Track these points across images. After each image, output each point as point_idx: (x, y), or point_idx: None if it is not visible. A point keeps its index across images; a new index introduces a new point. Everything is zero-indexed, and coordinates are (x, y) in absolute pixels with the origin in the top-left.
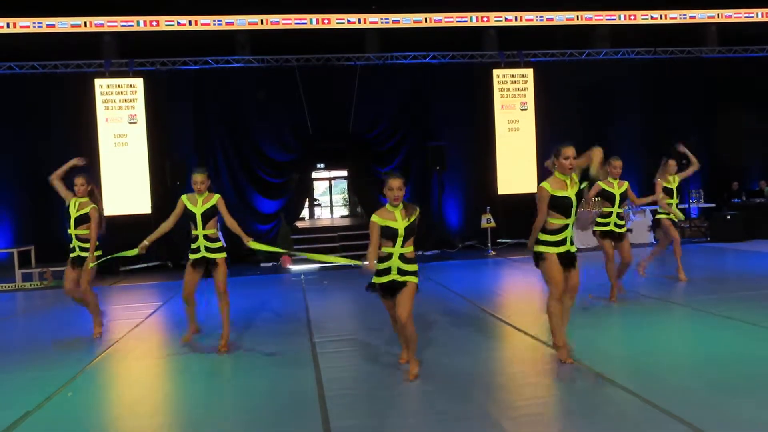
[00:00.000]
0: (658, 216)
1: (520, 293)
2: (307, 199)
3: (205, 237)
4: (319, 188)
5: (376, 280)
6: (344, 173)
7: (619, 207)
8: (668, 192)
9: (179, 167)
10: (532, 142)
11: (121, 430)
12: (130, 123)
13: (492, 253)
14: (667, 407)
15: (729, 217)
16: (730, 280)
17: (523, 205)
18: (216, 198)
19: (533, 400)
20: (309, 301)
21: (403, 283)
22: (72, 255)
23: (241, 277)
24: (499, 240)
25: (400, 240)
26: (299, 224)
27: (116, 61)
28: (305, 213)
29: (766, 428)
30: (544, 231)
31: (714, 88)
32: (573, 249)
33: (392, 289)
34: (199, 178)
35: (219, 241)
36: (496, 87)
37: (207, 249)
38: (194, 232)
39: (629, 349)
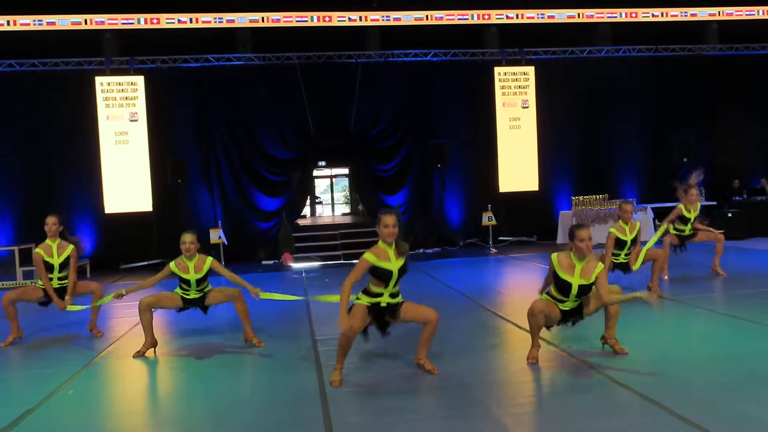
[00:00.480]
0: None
1: (521, 291)
2: (309, 197)
3: (198, 290)
4: (321, 186)
5: (360, 302)
6: (345, 171)
7: (629, 249)
8: (684, 221)
9: (180, 165)
10: (534, 140)
11: (121, 427)
12: (131, 121)
13: (493, 250)
14: (668, 404)
15: (730, 215)
16: (730, 278)
17: (524, 203)
18: (209, 263)
19: (534, 397)
20: (310, 299)
21: (396, 305)
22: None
23: (242, 274)
24: (501, 238)
25: (393, 281)
26: (300, 222)
27: (117, 58)
28: (306, 211)
29: (767, 426)
30: (549, 293)
31: (715, 86)
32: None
33: (379, 311)
34: (188, 238)
35: (209, 285)
36: (497, 85)
37: (197, 290)
38: (188, 291)
39: (630, 347)
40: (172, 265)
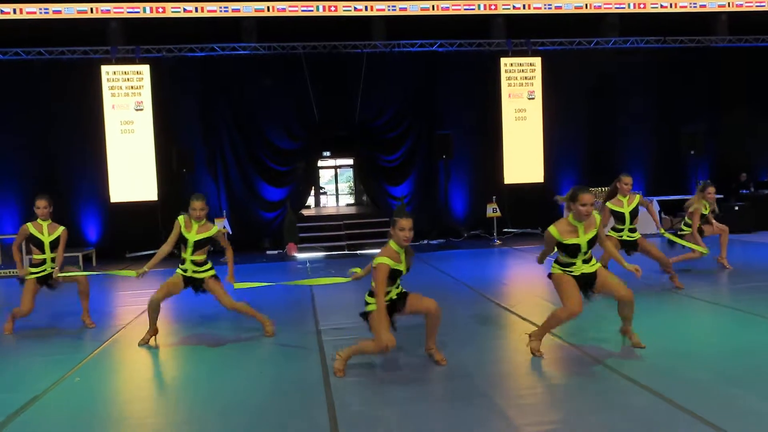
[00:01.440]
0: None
1: (525, 283)
2: (313, 188)
3: (193, 262)
4: (325, 176)
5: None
6: (350, 161)
7: (631, 223)
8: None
9: (186, 154)
10: (539, 132)
11: (127, 413)
12: (137, 110)
13: (497, 242)
14: (672, 396)
15: (737, 207)
16: (737, 271)
17: (529, 195)
18: (214, 230)
19: (538, 388)
20: (314, 289)
21: (404, 294)
22: (39, 274)
23: (246, 264)
24: (505, 230)
25: (399, 280)
26: (305, 212)
27: (122, 47)
28: (311, 201)
29: None
30: (557, 260)
31: (724, 78)
32: (591, 269)
33: (391, 307)
34: (198, 204)
35: (207, 263)
36: (503, 76)
37: (194, 271)
38: (183, 255)
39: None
40: (181, 218)
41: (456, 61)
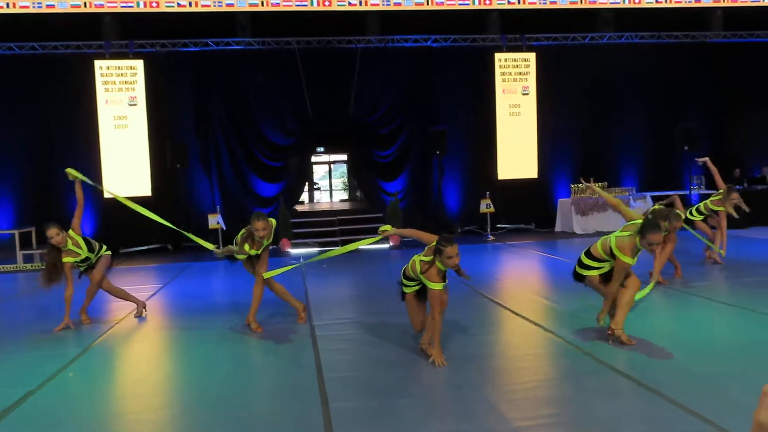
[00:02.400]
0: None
1: (518, 278)
2: (307, 183)
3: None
4: (319, 172)
5: (408, 290)
6: (344, 157)
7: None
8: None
9: (179, 150)
10: (533, 128)
11: (122, 409)
12: (130, 105)
13: (491, 238)
14: (665, 391)
15: None
16: (730, 266)
17: (523, 191)
18: (268, 242)
19: (531, 383)
20: (308, 285)
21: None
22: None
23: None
24: (499, 225)
25: None
26: (298, 208)
27: (116, 42)
28: (305, 197)
29: None
30: (590, 256)
31: (718, 74)
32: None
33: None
34: (260, 224)
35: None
36: (497, 71)
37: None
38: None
39: (628, 334)
40: (248, 248)
41: (450, 56)
